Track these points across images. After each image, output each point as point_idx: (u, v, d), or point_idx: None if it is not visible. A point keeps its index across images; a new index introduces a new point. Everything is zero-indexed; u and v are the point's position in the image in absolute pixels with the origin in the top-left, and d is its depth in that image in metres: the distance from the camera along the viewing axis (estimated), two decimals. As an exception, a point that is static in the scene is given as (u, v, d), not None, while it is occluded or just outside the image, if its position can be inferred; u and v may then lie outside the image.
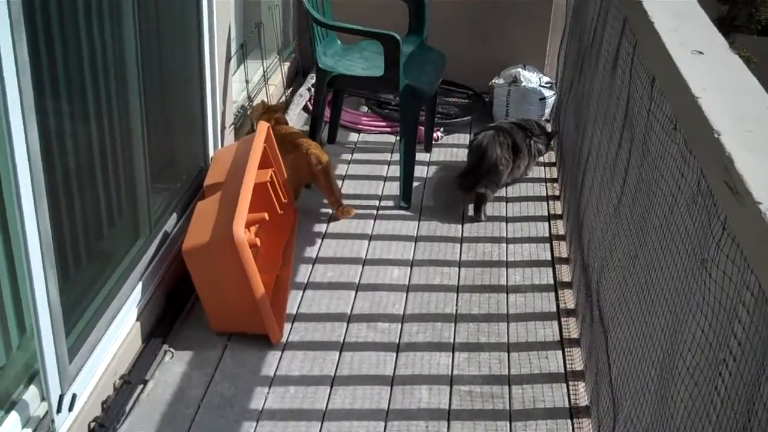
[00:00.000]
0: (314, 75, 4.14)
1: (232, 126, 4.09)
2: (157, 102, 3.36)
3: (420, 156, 4.56)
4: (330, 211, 4.03)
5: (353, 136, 4.83)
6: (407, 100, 3.95)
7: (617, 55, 3.00)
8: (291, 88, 5.19)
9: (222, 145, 3.96)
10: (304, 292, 3.47)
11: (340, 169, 4.45)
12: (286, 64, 5.14)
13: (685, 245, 1.95)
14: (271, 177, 3.64)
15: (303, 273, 3.59)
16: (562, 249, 3.84)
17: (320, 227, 3.93)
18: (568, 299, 3.48)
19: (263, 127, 3.65)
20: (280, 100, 4.96)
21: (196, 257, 3.06)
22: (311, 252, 3.74)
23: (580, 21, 4.15)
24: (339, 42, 4.34)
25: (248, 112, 4.12)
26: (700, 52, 2.12)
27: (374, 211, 4.09)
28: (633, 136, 2.60)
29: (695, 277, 1.85)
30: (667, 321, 2.00)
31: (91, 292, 2.87)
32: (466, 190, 4.06)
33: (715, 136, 1.67)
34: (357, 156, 4.61)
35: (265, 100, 4.52)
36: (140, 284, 3.07)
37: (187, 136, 3.74)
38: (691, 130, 1.92)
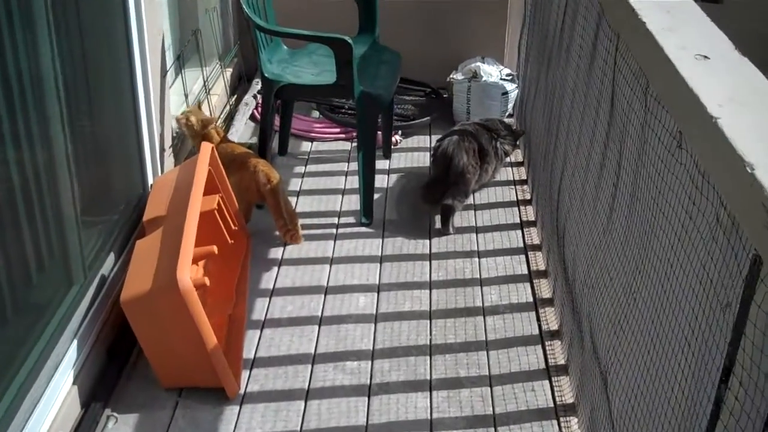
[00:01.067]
0: (260, 81, 3.77)
1: (171, 149, 3.73)
2: (83, 126, 3.00)
3: (379, 163, 4.23)
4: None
5: (306, 146, 4.49)
6: (364, 108, 3.62)
7: (594, 52, 2.70)
8: (236, 96, 4.82)
9: (162, 168, 3.60)
10: (262, 331, 3.13)
11: (294, 184, 4.11)
12: (229, 70, 4.78)
13: (703, 285, 1.66)
14: (219, 204, 3.30)
15: (259, 308, 3.25)
16: (539, 260, 3.55)
17: (276, 252, 3.59)
18: (551, 319, 3.20)
19: (206, 149, 3.30)
20: (224, 110, 4.60)
21: (137, 309, 2.71)
22: (267, 282, 3.40)
23: (542, 9, 3.85)
24: (285, 47, 3.99)
25: (180, 125, 3.70)
26: (705, 57, 1.82)
27: (334, 230, 3.76)
28: (622, 147, 2.31)
29: (717, 320, 1.57)
30: (688, 363, 1.71)
31: (19, 354, 2.51)
32: (432, 202, 3.75)
33: (748, 170, 1.37)
34: (311, 168, 4.27)
35: (201, 109, 4.14)
36: (76, 340, 2.72)
37: (122, 162, 3.38)
38: (707, 154, 1.61)
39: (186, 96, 3.90)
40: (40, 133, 2.60)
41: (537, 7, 4.05)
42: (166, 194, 3.18)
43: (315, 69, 3.86)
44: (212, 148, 3.35)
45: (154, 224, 3.05)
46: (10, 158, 2.46)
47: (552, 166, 3.34)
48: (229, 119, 4.58)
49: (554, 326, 3.15)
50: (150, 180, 3.46)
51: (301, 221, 3.80)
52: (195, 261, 3.15)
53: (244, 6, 3.55)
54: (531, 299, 3.32)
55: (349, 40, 3.44)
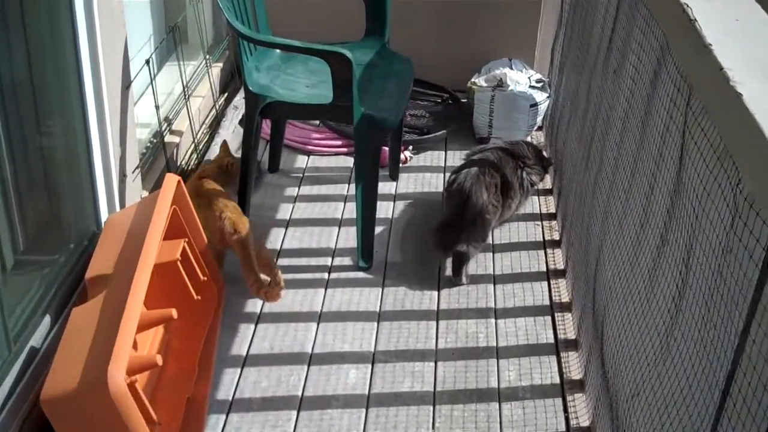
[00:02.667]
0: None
1: (138, 170, 3.14)
2: (15, 150, 2.44)
3: (383, 186, 3.64)
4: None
5: (301, 160, 3.89)
6: (365, 133, 3.02)
7: (653, 92, 2.09)
8: (225, 95, 4.22)
9: (123, 198, 3.02)
10: (227, 416, 2.57)
11: (283, 211, 3.52)
12: (218, 66, 4.17)
13: None
14: (184, 250, 2.73)
15: (227, 384, 2.69)
16: (568, 325, 2.96)
17: (254, 304, 3.02)
18: (581, 410, 2.61)
19: (170, 182, 2.72)
20: (210, 114, 4.00)
21: (61, 409, 2.14)
22: (240, 347, 2.84)
23: (584, 9, 3.22)
24: (278, 51, 3.37)
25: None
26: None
27: (325, 275, 3.17)
28: (693, 235, 1.71)
29: None
30: None
31: None
32: (447, 248, 3.15)
33: None
34: (305, 189, 3.68)
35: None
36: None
37: (66, 194, 2.80)
38: None
39: (157, 108, 3.30)
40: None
41: (577, 6, 3.42)
42: (117, 242, 2.61)
43: (311, 79, 3.25)
44: (178, 181, 2.77)
45: (98, 284, 2.48)
46: None
47: (589, 213, 2.74)
48: (216, 124, 3.98)
49: (585, 421, 2.57)
50: (104, 215, 2.88)
51: (287, 261, 3.23)
52: (148, 328, 2.59)
53: (223, 8, 2.93)
54: (557, 380, 2.73)
55: (349, 55, 2.82)
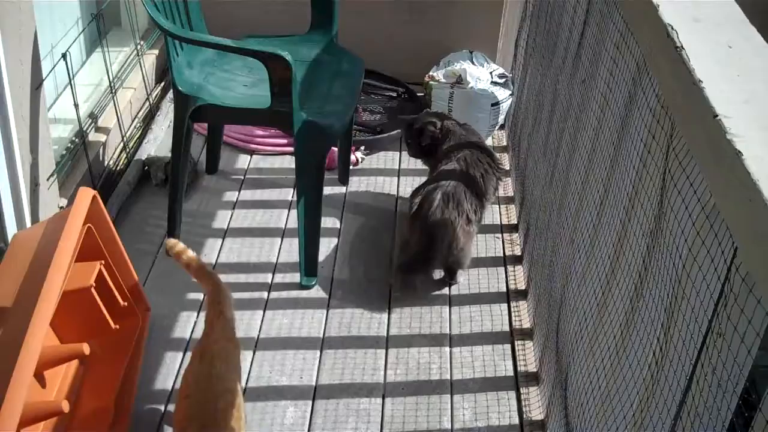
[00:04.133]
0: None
1: (54, 177, 2.81)
2: None
3: (332, 191, 3.35)
4: (200, 297, 2.83)
5: (243, 160, 3.57)
6: (307, 142, 2.71)
7: (628, 116, 1.82)
8: (162, 84, 3.88)
9: (37, 209, 2.70)
10: (146, 465, 2.29)
11: (220, 219, 3.21)
12: (153, 53, 3.82)
13: None
14: (100, 273, 2.42)
15: (149, 425, 2.40)
16: (529, 355, 2.70)
17: (183, 329, 2.72)
18: (542, 455, 2.37)
19: (84, 197, 2.40)
20: (143, 107, 3.66)
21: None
22: (164, 380, 2.54)
23: (549, 12, 2.94)
24: (211, 44, 3.04)
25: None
26: None
27: (264, 295, 2.88)
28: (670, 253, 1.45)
29: None
30: None
31: None
32: (418, 277, 2.91)
33: None
34: (246, 194, 3.37)
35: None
36: None
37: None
38: None
39: (76, 106, 2.96)
40: None
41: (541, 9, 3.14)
42: (21, 267, 2.29)
43: (250, 77, 2.94)
44: (94, 195, 2.45)
45: (-4, 319, 2.17)
46: None
47: (555, 232, 2.48)
48: (149, 118, 3.64)
49: (546, 468, 2.33)
50: (11, 230, 2.55)
51: (224, 276, 2.89)
52: (57, 364, 2.29)
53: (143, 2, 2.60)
54: (516, 419, 2.48)
55: (288, 58, 2.50)
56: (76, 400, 2.36)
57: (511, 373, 2.64)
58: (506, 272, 3.05)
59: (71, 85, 2.89)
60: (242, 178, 3.45)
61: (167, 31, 2.60)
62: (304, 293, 2.89)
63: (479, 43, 3.97)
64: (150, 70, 3.73)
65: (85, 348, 2.21)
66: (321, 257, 2.98)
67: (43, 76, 2.68)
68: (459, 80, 3.67)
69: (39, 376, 2.23)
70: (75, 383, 2.39)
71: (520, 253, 3.13)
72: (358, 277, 2.98)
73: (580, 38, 2.40)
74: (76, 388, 2.39)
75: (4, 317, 2.13)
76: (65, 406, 2.02)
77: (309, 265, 2.88)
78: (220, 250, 3.05)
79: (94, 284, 2.37)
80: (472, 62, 3.81)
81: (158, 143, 3.51)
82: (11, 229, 2.55)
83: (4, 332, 2.07)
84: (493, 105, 3.66)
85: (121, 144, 3.36)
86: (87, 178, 3.03)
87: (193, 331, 2.71)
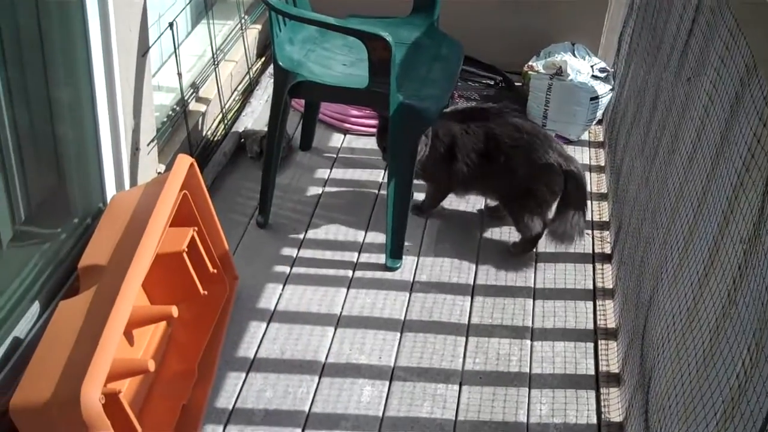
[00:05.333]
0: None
1: (154, 143, 2.88)
2: (20, 115, 2.22)
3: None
4: (286, 270, 2.87)
5: (336, 139, 3.60)
6: (402, 124, 2.71)
7: (732, 128, 1.76)
8: (262, 59, 3.93)
9: (135, 173, 2.78)
10: (225, 428, 2.34)
11: (311, 196, 3.25)
12: (256, 28, 3.87)
13: None
14: (192, 240, 2.48)
15: (229, 390, 2.45)
16: (612, 355, 2.66)
17: (269, 300, 2.77)
18: (618, 458, 2.33)
19: (182, 164, 2.46)
20: (243, 81, 3.71)
21: (31, 421, 1.91)
22: (248, 348, 2.59)
23: (657, 7, 2.87)
24: (314, 22, 3.06)
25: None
26: None
27: (350, 273, 2.90)
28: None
29: None
30: None
31: None
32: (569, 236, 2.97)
33: None
34: (337, 173, 3.39)
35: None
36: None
37: (73, 165, 2.56)
38: None
39: (179, 75, 3.02)
40: None
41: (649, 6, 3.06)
42: (118, 227, 2.36)
43: (349, 57, 2.95)
44: (191, 163, 2.50)
45: (90, 275, 2.24)
46: None
47: (648, 234, 2.42)
48: (248, 93, 3.70)
49: (621, 472, 2.29)
50: (111, 191, 2.63)
51: (310, 253, 2.97)
52: (145, 324, 2.36)
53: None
54: (594, 420, 2.44)
55: (389, 39, 2.51)
56: (161, 361, 2.43)
57: (592, 372, 2.60)
58: (594, 270, 3.00)
59: (176, 54, 2.95)
60: (335, 156, 3.48)
61: (272, 6, 2.64)
62: (388, 275, 2.90)
63: (582, 36, 3.90)
64: (252, 45, 3.78)
65: (174, 311, 2.26)
66: (408, 239, 2.98)
67: (150, 44, 2.74)
68: (559, 72, 3.61)
69: (128, 335, 2.30)
70: (161, 345, 2.46)
71: (609, 252, 3.07)
72: (443, 263, 2.98)
73: (688, 36, 2.33)
74: (162, 350, 2.46)
75: (99, 275, 2.20)
76: (151, 366, 2.08)
77: (395, 247, 2.89)
78: (308, 226, 3.09)
79: (186, 249, 2.43)
80: (574, 54, 3.75)
81: (255, 117, 3.56)
82: (111, 190, 2.64)
83: (99, 289, 2.14)
84: (592, 99, 3.59)
85: (220, 115, 3.43)
86: (185, 146, 3.10)
87: (277, 303, 2.75)
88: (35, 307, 2.29)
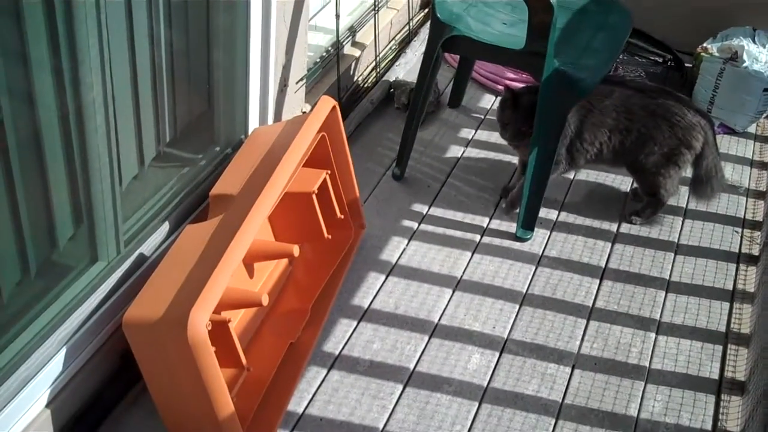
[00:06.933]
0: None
1: (303, 82, 2.90)
2: (175, 39, 2.29)
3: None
4: (414, 226, 2.85)
5: (487, 100, 3.52)
6: (553, 92, 2.61)
7: None
8: (425, 11, 3.88)
9: (280, 110, 2.81)
10: (328, 373, 2.35)
11: (452, 155, 3.20)
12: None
13: None
14: (324, 183, 2.49)
15: (337, 336, 2.46)
16: (740, 362, 2.50)
17: (392, 253, 2.75)
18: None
19: (324, 105, 2.47)
20: (402, 31, 3.68)
21: (140, 335, 1.98)
22: (363, 298, 2.59)
23: None
24: (482, -26, 2.98)
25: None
26: None
27: (477, 237, 2.85)
28: None
29: None
30: None
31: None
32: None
33: None
34: (482, 134, 3.32)
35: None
36: (80, 333, 2.06)
37: (221, 94, 2.60)
38: None
39: (337, 17, 3.01)
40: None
41: None
42: (253, 160, 2.40)
43: (511, 16, 2.86)
44: (334, 106, 2.50)
45: (219, 204, 2.29)
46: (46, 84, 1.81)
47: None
48: (405, 44, 3.66)
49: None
50: (253, 124, 2.67)
51: (440, 212, 2.93)
52: (266, 259, 2.40)
53: None
54: (709, 426, 2.31)
55: (552, 0, 2.41)
56: (276, 298, 2.47)
57: (716, 376, 2.45)
58: (737, 270, 2.82)
59: (335, -6, 2.95)
60: (482, 117, 3.41)
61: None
62: (516, 245, 2.83)
63: (765, 21, 3.63)
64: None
65: (295, 249, 2.29)
66: (542, 213, 2.89)
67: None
68: (734, 57, 3.38)
69: (249, 267, 2.35)
70: (280, 282, 2.50)
71: (757, 253, 2.88)
72: (576, 241, 2.87)
73: None
74: (279, 287, 2.49)
75: (228, 204, 2.25)
76: (265, 300, 2.11)
77: (528, 217, 2.81)
78: (443, 185, 3.05)
79: (316, 191, 2.45)
80: (753, 41, 3.50)
81: (408, 68, 3.52)
82: (254, 123, 2.67)
83: (225, 218, 2.18)
84: (765, 90, 3.35)
85: (373, 63, 3.42)
86: (333, 89, 3.11)
87: (400, 257, 2.73)
88: (165, 227, 2.36)
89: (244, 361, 2.07)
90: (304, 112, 2.96)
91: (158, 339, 1.92)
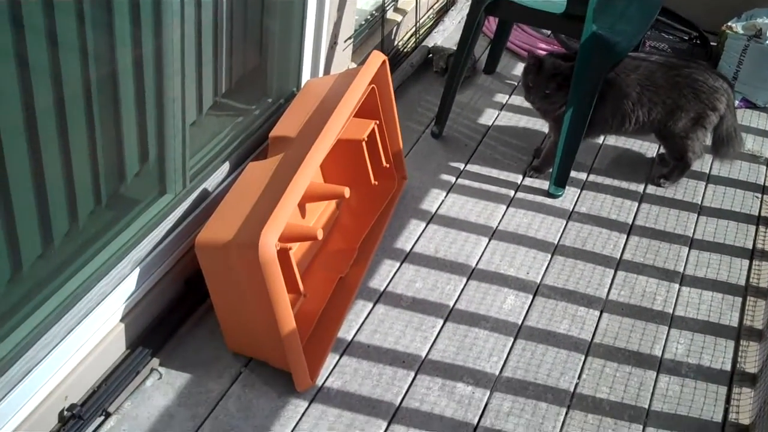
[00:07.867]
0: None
1: (350, 41, 3.06)
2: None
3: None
4: (452, 180, 3.01)
5: (520, 68, 3.65)
6: (590, 54, 2.76)
7: None
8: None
9: (329, 65, 2.97)
10: (374, 306, 2.52)
11: (486, 118, 3.36)
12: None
13: None
14: (372, 132, 2.65)
15: (382, 275, 2.63)
16: (758, 313, 2.66)
17: (431, 203, 2.92)
18: (744, 407, 2.36)
19: (375, 60, 2.63)
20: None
21: (211, 256, 2.16)
22: (405, 242, 2.76)
23: None
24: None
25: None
26: None
27: (511, 193, 3.01)
28: None
29: None
30: None
31: (64, 271, 2.05)
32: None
33: None
34: (516, 99, 3.48)
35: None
36: (151, 257, 2.23)
37: (276, 47, 2.76)
38: None
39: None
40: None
41: None
42: (308, 107, 2.56)
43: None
44: (384, 60, 2.67)
45: (279, 145, 2.46)
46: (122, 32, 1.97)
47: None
48: (444, 11, 3.82)
49: (745, 419, 2.32)
50: (305, 77, 2.84)
51: (476, 168, 3.10)
52: (318, 200, 2.56)
53: None
54: (728, 367, 2.47)
55: (592, -35, 2.57)
56: (327, 237, 2.63)
57: (735, 324, 2.61)
58: (756, 232, 2.98)
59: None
60: (516, 84, 3.57)
61: None
62: (548, 201, 2.99)
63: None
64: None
65: (346, 191, 2.45)
66: (572, 174, 3.05)
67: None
68: (758, 34, 3.54)
69: (301, 207, 2.52)
70: (329, 223, 2.67)
71: (775, 219, 3.04)
72: (605, 199, 3.03)
73: None
74: (329, 227, 2.66)
75: (287, 145, 2.41)
76: (320, 234, 2.27)
77: (561, 175, 2.97)
78: (479, 144, 3.21)
79: (365, 139, 2.61)
80: (778, 19, 3.65)
81: (446, 35, 3.69)
82: (305, 76, 2.84)
83: (285, 156, 2.35)
84: (787, 67, 3.51)
85: (413, 28, 3.57)
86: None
87: (439, 207, 2.90)
88: (225, 166, 2.53)
89: (301, 287, 2.24)
90: (350, 70, 3.12)
91: (229, 259, 2.09)
